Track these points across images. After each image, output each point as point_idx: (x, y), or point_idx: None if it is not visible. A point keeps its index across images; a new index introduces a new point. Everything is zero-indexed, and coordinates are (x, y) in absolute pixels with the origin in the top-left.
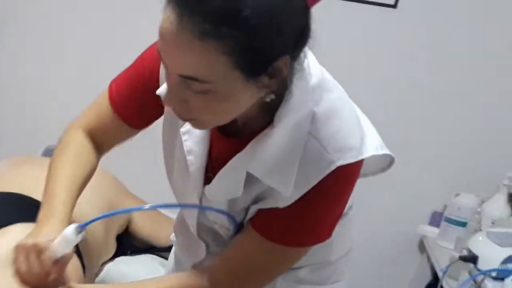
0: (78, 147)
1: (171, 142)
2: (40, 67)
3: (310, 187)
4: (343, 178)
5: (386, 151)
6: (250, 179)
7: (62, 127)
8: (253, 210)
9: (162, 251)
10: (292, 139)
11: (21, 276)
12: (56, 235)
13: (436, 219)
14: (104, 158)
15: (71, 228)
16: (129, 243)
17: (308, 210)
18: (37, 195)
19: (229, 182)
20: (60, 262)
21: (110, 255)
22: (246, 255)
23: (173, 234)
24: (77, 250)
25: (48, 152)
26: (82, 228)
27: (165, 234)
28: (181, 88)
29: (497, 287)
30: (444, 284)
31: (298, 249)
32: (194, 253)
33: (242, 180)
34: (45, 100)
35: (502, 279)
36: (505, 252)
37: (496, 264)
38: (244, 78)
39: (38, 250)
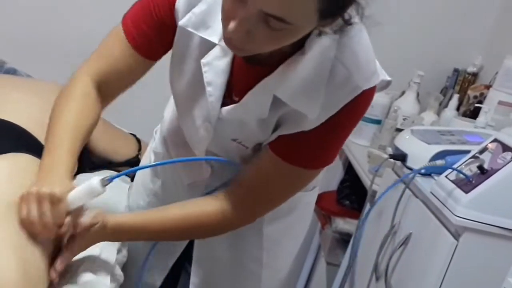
0: (84, 95)
1: (181, 72)
2: None
3: (336, 110)
4: (364, 101)
5: (386, 76)
6: (275, 103)
7: None
8: (274, 135)
9: (119, 166)
10: (319, 64)
11: (28, 223)
12: (61, 185)
13: None
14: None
15: (97, 180)
16: (87, 160)
17: (331, 133)
18: (23, 122)
19: (255, 104)
20: (73, 213)
21: (73, 173)
22: (264, 177)
23: (154, 146)
24: None
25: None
26: (109, 181)
27: (122, 149)
28: (255, 22)
29: (426, 182)
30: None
31: (314, 171)
32: (196, 172)
33: (268, 103)
34: None
35: (429, 175)
36: (433, 149)
37: (424, 161)
38: (317, 19)
39: (54, 200)
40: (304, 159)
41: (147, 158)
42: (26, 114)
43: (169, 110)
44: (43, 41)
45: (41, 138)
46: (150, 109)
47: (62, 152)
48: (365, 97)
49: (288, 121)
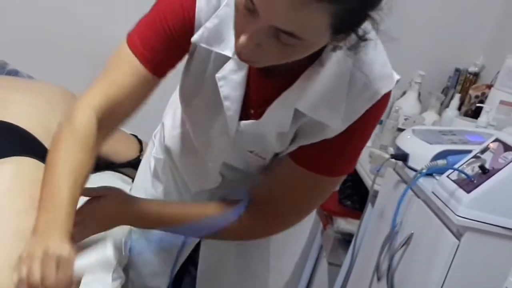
0: (86, 136)
1: (198, 87)
2: None
3: (357, 117)
4: (383, 104)
5: (395, 74)
6: (295, 115)
7: None
8: (294, 146)
9: (121, 167)
10: (338, 73)
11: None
12: (67, 248)
13: None
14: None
15: (111, 249)
16: None
17: (352, 139)
18: (25, 123)
19: (276, 119)
20: (76, 280)
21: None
22: (290, 189)
23: (155, 151)
24: None
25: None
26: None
27: (123, 150)
28: (265, 37)
29: (427, 182)
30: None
31: (337, 178)
32: (205, 180)
33: (289, 117)
34: None
35: (431, 174)
36: (434, 149)
37: (426, 161)
38: (330, 35)
39: (61, 264)
40: (329, 167)
41: (147, 162)
42: (28, 116)
43: (170, 118)
44: (44, 42)
45: (43, 139)
46: (151, 110)
47: (61, 211)
48: (384, 100)
49: (307, 131)
